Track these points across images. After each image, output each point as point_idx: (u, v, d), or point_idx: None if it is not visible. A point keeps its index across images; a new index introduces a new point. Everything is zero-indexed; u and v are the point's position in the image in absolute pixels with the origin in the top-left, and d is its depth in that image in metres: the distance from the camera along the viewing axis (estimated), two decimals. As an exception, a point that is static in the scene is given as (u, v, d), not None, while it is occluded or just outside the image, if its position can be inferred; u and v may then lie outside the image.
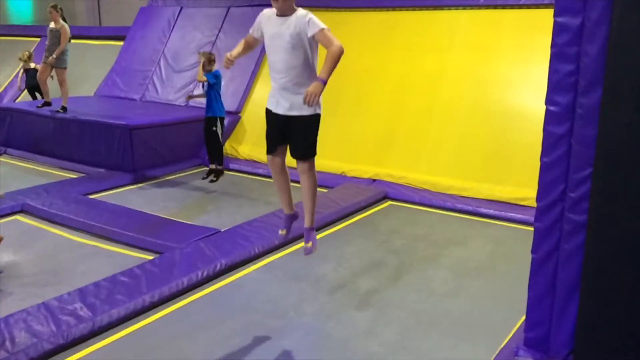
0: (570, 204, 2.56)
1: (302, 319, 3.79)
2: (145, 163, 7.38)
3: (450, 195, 6.42)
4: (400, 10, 8.09)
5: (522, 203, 6.03)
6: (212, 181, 6.98)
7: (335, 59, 2.90)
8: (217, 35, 9.33)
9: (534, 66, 6.55)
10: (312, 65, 2.98)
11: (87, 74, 10.58)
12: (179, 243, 4.83)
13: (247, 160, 8.03)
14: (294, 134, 3.08)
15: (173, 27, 9.91)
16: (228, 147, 8.15)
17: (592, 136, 2.42)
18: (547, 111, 2.63)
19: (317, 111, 3.06)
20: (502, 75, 6.96)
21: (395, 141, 7.18)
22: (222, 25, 9.38)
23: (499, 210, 5.96)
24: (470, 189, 6.44)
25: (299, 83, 2.95)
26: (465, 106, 7.01)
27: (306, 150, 3.10)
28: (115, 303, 3.74)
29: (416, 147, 7.02)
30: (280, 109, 3.08)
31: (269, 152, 3.27)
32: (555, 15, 2.57)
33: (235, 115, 8.45)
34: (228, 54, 3.34)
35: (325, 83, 2.93)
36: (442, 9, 7.75)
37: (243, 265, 4.58)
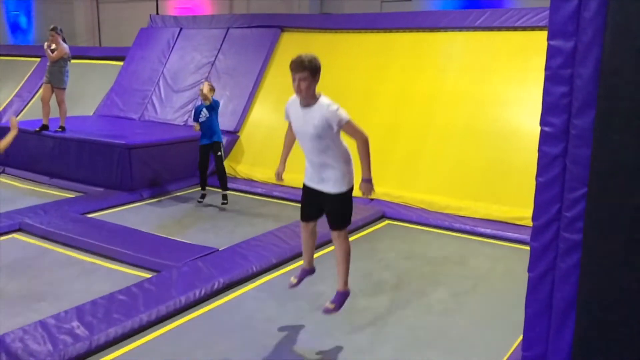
0: (565, 223, 2.59)
1: (300, 337, 3.79)
2: (143, 182, 7.40)
3: (447, 215, 6.45)
4: (397, 31, 8.21)
5: (518, 222, 6.06)
6: (223, 204, 6.93)
7: (368, 153, 3.07)
8: (216, 56, 9.43)
9: (529, 87, 6.64)
10: (337, 144, 3.09)
11: (86, 94, 10.65)
12: (177, 262, 4.83)
13: (245, 179, 8.07)
14: (326, 208, 3.24)
15: (172, 47, 10.02)
16: (226, 167, 8.19)
17: (586, 156, 2.46)
18: (542, 132, 2.67)
19: (347, 188, 3.17)
20: (497, 96, 7.03)
21: (392, 160, 7.23)
22: (221, 46, 9.49)
23: (496, 229, 5.98)
24: (467, 208, 6.47)
25: (327, 163, 3.11)
26: (462, 126, 7.07)
27: (338, 222, 3.25)
28: (113, 322, 3.74)
29: (413, 166, 7.07)
30: (314, 184, 3.23)
31: (303, 219, 3.40)
32: (548, 38, 2.62)
33: (234, 135, 8.51)
34: (277, 173, 3.71)
35: (370, 179, 3.19)
36: (439, 31, 7.86)
37: (241, 284, 4.58)
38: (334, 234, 3.40)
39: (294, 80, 3.00)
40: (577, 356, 2.56)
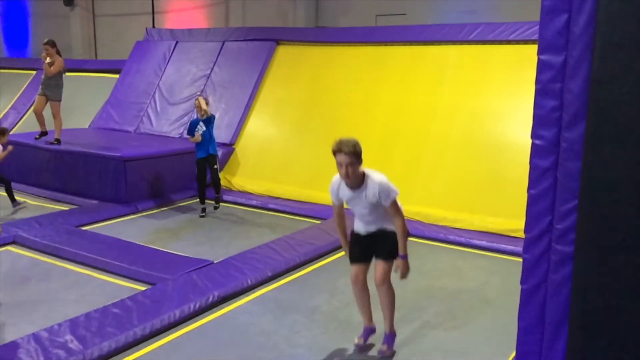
0: (557, 235, 2.61)
1: (295, 351, 3.78)
2: (138, 194, 7.40)
3: (443, 227, 6.46)
4: (392, 45, 8.27)
5: (514, 234, 6.07)
6: (215, 207, 7.09)
7: (405, 233, 3.18)
8: (212, 69, 9.47)
9: (522, 99, 6.68)
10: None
11: (82, 107, 10.67)
12: (172, 274, 4.82)
13: (240, 191, 8.07)
14: (377, 244, 3.27)
15: (168, 60, 10.07)
16: (222, 179, 8.19)
17: (576, 169, 2.48)
18: (533, 145, 2.70)
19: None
20: (492, 109, 7.08)
21: (388, 173, 7.14)
22: (217, 59, 9.54)
23: (491, 241, 5.99)
24: (463, 221, 6.49)
25: (378, 222, 3.13)
26: (457, 139, 7.11)
27: (390, 251, 3.27)
28: (106, 335, 3.72)
29: (409, 178, 7.09)
30: (366, 231, 3.28)
31: (352, 260, 3.41)
32: (538, 53, 2.66)
33: (229, 147, 8.53)
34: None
35: (407, 257, 3.27)
36: (433, 44, 7.93)
37: (236, 297, 4.58)
38: (379, 277, 3.37)
39: (339, 165, 3.04)
40: (570, 368, 2.56)
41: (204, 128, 6.84)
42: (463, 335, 4.05)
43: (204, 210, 6.84)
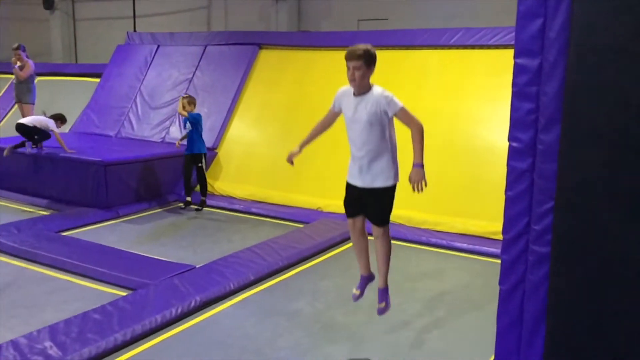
0: (534, 236, 2.65)
1: (279, 354, 3.78)
2: (119, 199, 7.33)
3: (425, 230, 6.51)
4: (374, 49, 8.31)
5: (494, 237, 6.13)
6: (197, 210, 7.21)
7: (422, 140, 2.98)
8: (194, 73, 9.44)
9: (502, 103, 6.73)
10: (388, 134, 3.02)
11: (62, 111, 10.45)
12: (153, 279, 4.79)
13: (223, 196, 8.04)
14: (370, 204, 3.14)
15: (150, 64, 10.01)
16: (204, 183, 8.17)
17: (552, 171, 2.53)
18: (510, 147, 2.75)
19: (394, 181, 3.08)
20: (473, 113, 7.16)
21: (370, 176, 7.28)
22: (199, 63, 9.51)
23: (472, 244, 6.05)
24: (445, 224, 6.54)
25: (375, 157, 3.01)
26: (438, 142, 7.15)
27: (383, 217, 3.15)
28: (87, 342, 3.68)
29: (390, 182, 7.14)
30: (358, 182, 3.13)
31: (349, 216, 3.29)
32: (515, 57, 2.71)
33: (212, 151, 8.50)
34: (290, 154, 3.35)
35: (423, 166, 3.05)
36: (414, 49, 8.00)
37: (218, 301, 4.56)
38: (377, 231, 3.26)
39: (348, 69, 2.95)
40: (548, 367, 2.60)
41: (190, 127, 7.14)
42: (445, 336, 4.08)
43: (186, 203, 6.99)
